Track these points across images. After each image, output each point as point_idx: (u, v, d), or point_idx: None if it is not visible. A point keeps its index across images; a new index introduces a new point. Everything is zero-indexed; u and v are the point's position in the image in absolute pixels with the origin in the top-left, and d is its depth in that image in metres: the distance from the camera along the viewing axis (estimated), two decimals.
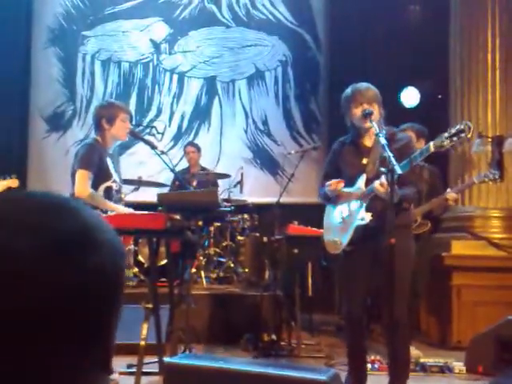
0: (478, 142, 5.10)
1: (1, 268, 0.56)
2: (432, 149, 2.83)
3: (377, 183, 2.89)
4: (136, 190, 5.64)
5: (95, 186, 3.55)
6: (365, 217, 3.07)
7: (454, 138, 2.79)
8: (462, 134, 2.79)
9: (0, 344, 0.55)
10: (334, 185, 3.13)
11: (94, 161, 3.54)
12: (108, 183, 3.59)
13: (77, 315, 0.58)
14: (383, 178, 2.82)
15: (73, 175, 3.59)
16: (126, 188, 5.54)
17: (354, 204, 3.14)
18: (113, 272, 0.62)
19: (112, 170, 3.65)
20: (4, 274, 0.56)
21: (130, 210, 3.54)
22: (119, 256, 0.64)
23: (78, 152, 3.63)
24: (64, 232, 0.60)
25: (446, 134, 2.81)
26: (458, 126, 2.82)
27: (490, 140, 5.10)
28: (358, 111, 3.10)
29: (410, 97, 6.33)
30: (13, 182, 4.48)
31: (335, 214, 3.28)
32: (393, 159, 2.78)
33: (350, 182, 3.17)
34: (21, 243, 0.57)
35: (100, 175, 3.56)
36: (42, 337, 0.56)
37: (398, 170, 2.74)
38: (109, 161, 3.65)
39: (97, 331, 0.61)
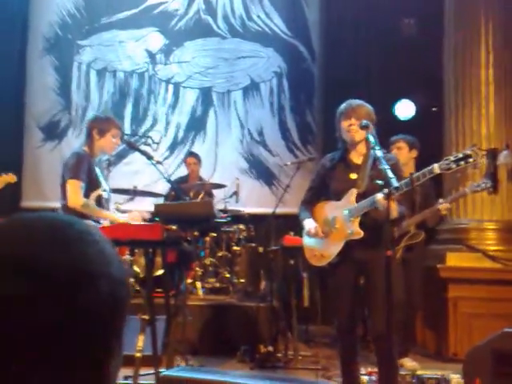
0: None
1: None
2: (437, 171, 2.77)
3: (379, 196, 2.85)
4: (131, 199, 5.62)
5: (86, 195, 3.55)
6: (355, 230, 3.05)
7: (461, 163, 2.74)
8: (470, 159, 2.73)
9: None
10: (314, 233, 3.19)
11: (84, 170, 3.54)
12: (98, 192, 3.59)
13: (63, 350, 0.56)
14: (386, 191, 2.78)
15: (62, 185, 3.59)
16: (121, 198, 5.54)
17: (343, 216, 3.14)
18: (111, 303, 0.59)
19: (101, 179, 3.65)
20: None
21: (125, 216, 3.53)
22: (119, 286, 0.61)
23: (67, 162, 3.63)
24: (53, 267, 0.56)
25: (452, 158, 2.76)
26: (465, 151, 2.77)
27: (484, 153, 5.12)
28: (345, 125, 3.14)
29: (405, 109, 6.36)
30: (11, 178, 4.48)
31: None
32: (389, 172, 2.78)
33: (337, 197, 3.19)
34: (6, 281, 0.54)
35: (90, 184, 3.57)
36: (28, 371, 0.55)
37: (395, 183, 2.74)
38: (97, 170, 3.65)
39: (85, 364, 0.58)
